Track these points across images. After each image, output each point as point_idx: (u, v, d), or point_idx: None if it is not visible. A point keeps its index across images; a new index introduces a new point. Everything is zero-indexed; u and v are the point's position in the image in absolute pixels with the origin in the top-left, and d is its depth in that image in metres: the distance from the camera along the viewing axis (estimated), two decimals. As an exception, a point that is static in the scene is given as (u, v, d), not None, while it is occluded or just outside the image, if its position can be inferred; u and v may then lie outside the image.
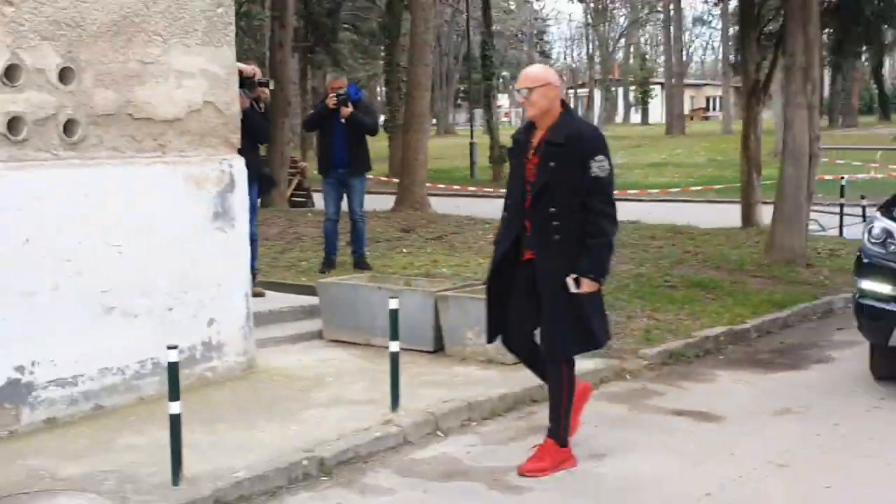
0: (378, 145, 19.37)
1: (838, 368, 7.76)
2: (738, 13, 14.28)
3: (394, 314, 6.32)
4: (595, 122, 69.08)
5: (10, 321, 5.91)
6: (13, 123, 5.94)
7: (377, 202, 16.26)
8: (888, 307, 6.99)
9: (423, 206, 17.85)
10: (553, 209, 5.34)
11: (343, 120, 10.08)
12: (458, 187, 24.74)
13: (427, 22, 18.16)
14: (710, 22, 68.18)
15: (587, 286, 5.29)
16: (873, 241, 7.31)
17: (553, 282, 5.36)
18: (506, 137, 33.90)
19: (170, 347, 5.17)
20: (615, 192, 5.60)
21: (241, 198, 7.22)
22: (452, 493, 5.24)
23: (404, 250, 12.46)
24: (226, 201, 7.07)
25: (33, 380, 6.05)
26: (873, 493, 5.13)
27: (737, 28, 19.32)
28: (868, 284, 7.30)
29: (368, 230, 11.42)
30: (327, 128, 10.34)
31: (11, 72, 5.91)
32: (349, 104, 10.08)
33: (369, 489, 5.30)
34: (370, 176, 11.95)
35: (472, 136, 31.80)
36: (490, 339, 5.91)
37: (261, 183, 8.92)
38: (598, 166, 5.28)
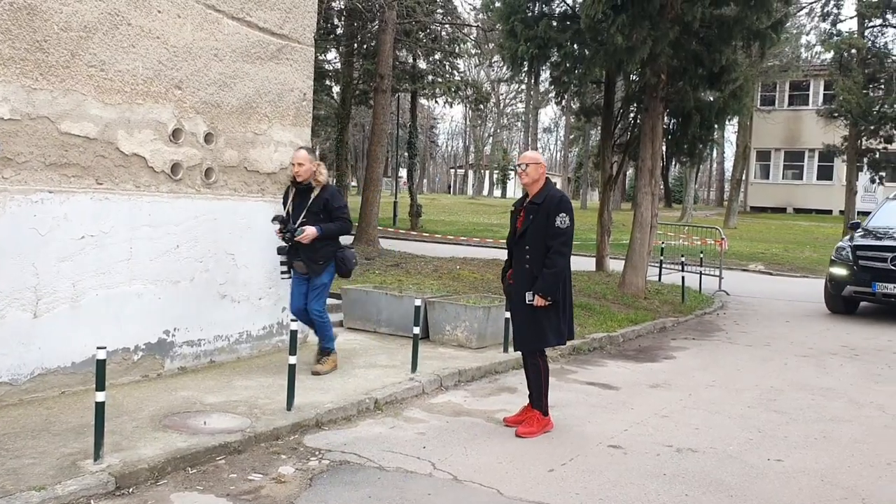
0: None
1: (679, 363, 8.43)
2: (601, 130, 15.10)
3: (417, 310, 6.79)
4: (469, 193, 70.96)
5: (163, 299, 6.29)
6: (174, 168, 6.38)
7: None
8: (841, 280, 12.04)
9: (374, 242, 17.80)
10: (527, 247, 5.46)
11: None
12: (381, 229, 24.89)
13: (385, 115, 18.54)
14: (554, 132, 74.56)
15: (538, 301, 5.38)
16: (837, 251, 12.26)
17: (520, 296, 5.49)
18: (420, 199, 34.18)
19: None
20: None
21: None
22: (462, 423, 5.68)
23: (377, 271, 12.59)
24: (299, 229, 7.53)
25: (174, 340, 6.41)
26: (722, 432, 5.74)
27: (598, 139, 20.43)
28: (834, 270, 12.19)
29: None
30: None
31: (176, 133, 6.37)
32: None
33: (409, 419, 5.76)
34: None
35: (395, 197, 32.29)
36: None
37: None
38: (560, 220, 5.34)
